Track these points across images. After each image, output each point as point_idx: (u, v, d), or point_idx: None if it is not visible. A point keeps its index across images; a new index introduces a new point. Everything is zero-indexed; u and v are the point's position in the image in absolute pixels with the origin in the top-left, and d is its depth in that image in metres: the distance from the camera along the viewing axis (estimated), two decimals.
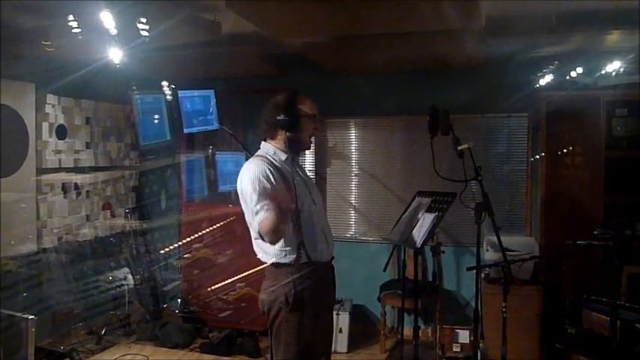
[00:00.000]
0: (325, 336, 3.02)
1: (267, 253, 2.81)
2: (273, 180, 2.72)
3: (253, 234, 2.79)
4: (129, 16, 3.52)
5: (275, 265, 2.79)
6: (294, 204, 2.73)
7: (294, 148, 2.89)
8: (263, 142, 2.95)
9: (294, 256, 2.76)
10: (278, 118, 2.80)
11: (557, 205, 5.02)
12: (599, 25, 4.07)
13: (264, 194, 2.67)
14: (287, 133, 2.82)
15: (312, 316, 2.77)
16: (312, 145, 3.02)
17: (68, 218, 5.36)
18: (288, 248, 2.77)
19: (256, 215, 2.67)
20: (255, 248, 2.87)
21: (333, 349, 5.10)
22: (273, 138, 2.91)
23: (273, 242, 2.69)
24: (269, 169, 2.74)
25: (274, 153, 2.88)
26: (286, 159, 2.88)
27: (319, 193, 3.08)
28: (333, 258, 3.00)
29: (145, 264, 5.84)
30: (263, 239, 2.70)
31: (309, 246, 2.78)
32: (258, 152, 2.93)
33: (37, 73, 4.87)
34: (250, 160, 2.85)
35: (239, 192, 2.83)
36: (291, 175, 2.79)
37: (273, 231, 2.61)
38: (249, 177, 2.73)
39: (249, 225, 2.81)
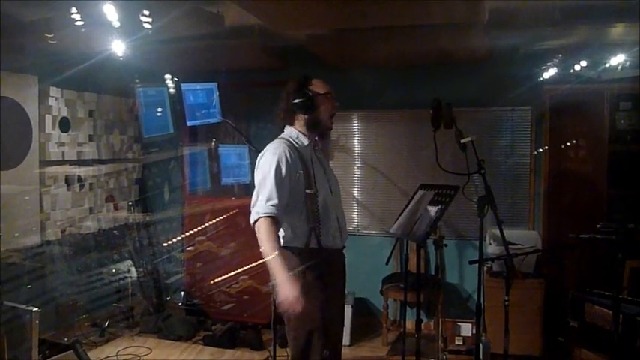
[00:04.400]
0: (335, 324, 3.00)
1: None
2: (289, 166, 2.73)
3: None
4: (132, 9, 3.52)
5: (286, 249, 2.78)
6: (311, 189, 2.77)
7: (315, 130, 2.92)
8: (287, 127, 2.97)
9: (305, 240, 2.77)
10: (293, 101, 2.84)
11: (560, 198, 5.03)
12: (603, 18, 4.06)
13: (275, 184, 2.69)
14: (305, 116, 2.85)
15: (321, 301, 2.76)
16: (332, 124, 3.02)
17: (71, 211, 5.38)
18: (299, 233, 2.77)
19: (256, 204, 2.71)
20: None
21: None
22: (292, 124, 2.94)
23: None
24: (289, 154, 2.76)
25: (297, 137, 2.91)
26: (308, 144, 2.90)
27: (337, 183, 3.09)
28: (344, 247, 3.00)
29: (148, 256, 5.86)
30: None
31: (322, 232, 2.79)
32: (282, 135, 2.95)
33: (40, 65, 4.87)
34: (273, 142, 2.87)
35: (254, 173, 2.86)
36: (311, 161, 2.82)
37: (264, 236, 2.65)
38: (268, 156, 2.77)
39: None
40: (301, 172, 2.78)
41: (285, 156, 2.74)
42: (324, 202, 2.83)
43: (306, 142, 2.90)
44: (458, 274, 5.50)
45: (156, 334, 5.31)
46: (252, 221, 2.72)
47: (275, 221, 2.68)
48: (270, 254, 2.62)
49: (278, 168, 2.71)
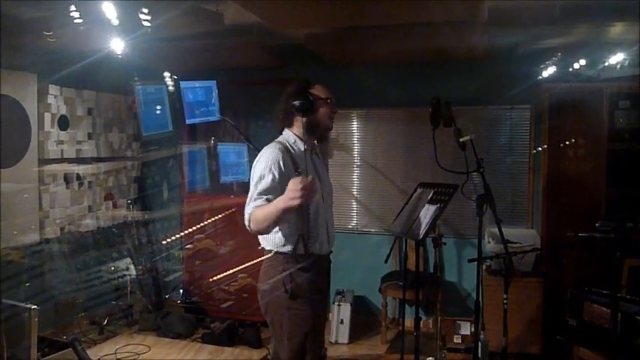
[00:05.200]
0: (321, 326, 3.05)
1: (269, 241, 2.84)
2: (282, 171, 2.73)
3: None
4: (131, 7, 3.51)
5: (275, 254, 2.81)
6: None
7: (313, 133, 2.91)
8: (285, 129, 2.96)
9: (293, 246, 2.78)
10: (293, 103, 2.83)
11: (558, 197, 5.03)
12: (602, 17, 4.06)
13: (266, 187, 2.70)
14: (303, 118, 2.85)
15: (309, 306, 2.79)
16: (333, 126, 3.02)
17: (70, 209, 5.37)
18: (289, 238, 2.78)
19: (250, 202, 2.73)
20: (259, 235, 2.88)
21: (334, 340, 5.14)
22: (290, 126, 2.93)
23: (257, 233, 2.76)
24: (282, 162, 2.75)
25: (294, 142, 2.90)
26: (305, 150, 2.89)
27: (331, 189, 3.09)
28: (331, 252, 3.01)
29: (147, 254, 5.85)
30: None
31: (310, 238, 2.79)
32: (280, 138, 2.94)
33: (39, 63, 4.86)
34: (269, 146, 2.86)
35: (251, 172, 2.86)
36: (306, 167, 2.81)
37: (257, 228, 2.69)
38: (262, 163, 2.77)
39: None
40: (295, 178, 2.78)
41: (279, 163, 2.74)
42: (316, 208, 2.83)
43: (302, 147, 2.89)
44: (457, 272, 5.50)
45: (155, 332, 5.31)
46: (246, 224, 2.74)
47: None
48: (271, 213, 2.62)
49: (271, 174, 2.72)
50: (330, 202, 3.05)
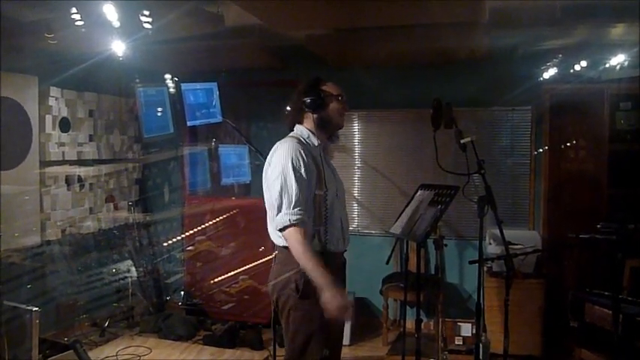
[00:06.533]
0: (335, 329, 2.94)
1: (282, 237, 2.73)
2: (307, 167, 2.69)
3: (269, 213, 2.77)
4: (132, 9, 3.52)
5: (289, 251, 2.69)
6: (320, 191, 2.73)
7: (325, 128, 2.90)
8: (297, 125, 2.93)
9: (309, 242, 2.73)
10: (304, 100, 2.82)
11: (560, 198, 5.02)
12: (603, 17, 4.06)
13: (297, 188, 2.64)
14: (314, 115, 2.84)
15: (319, 306, 2.66)
16: (344, 123, 2.99)
17: (72, 211, 5.37)
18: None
19: (282, 209, 2.64)
20: (270, 230, 2.83)
21: None
22: (301, 122, 2.91)
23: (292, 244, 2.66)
24: (304, 154, 2.71)
25: (308, 136, 2.87)
26: (318, 145, 2.87)
27: (343, 186, 3.07)
28: (345, 251, 2.98)
29: (148, 256, 5.86)
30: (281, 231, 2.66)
31: (326, 235, 2.77)
32: (293, 133, 2.91)
33: (40, 65, 4.86)
34: (284, 140, 2.82)
35: (264, 171, 2.81)
36: (321, 162, 2.80)
37: (297, 246, 2.59)
38: (284, 158, 2.70)
39: (266, 203, 2.79)
40: (314, 172, 2.75)
41: (302, 155, 2.69)
42: (331, 204, 2.80)
43: (316, 142, 2.87)
44: (458, 274, 5.50)
45: (156, 334, 5.31)
46: (279, 227, 2.65)
47: (304, 227, 2.62)
48: (307, 264, 2.58)
49: (297, 170, 2.66)
50: (344, 199, 3.03)
